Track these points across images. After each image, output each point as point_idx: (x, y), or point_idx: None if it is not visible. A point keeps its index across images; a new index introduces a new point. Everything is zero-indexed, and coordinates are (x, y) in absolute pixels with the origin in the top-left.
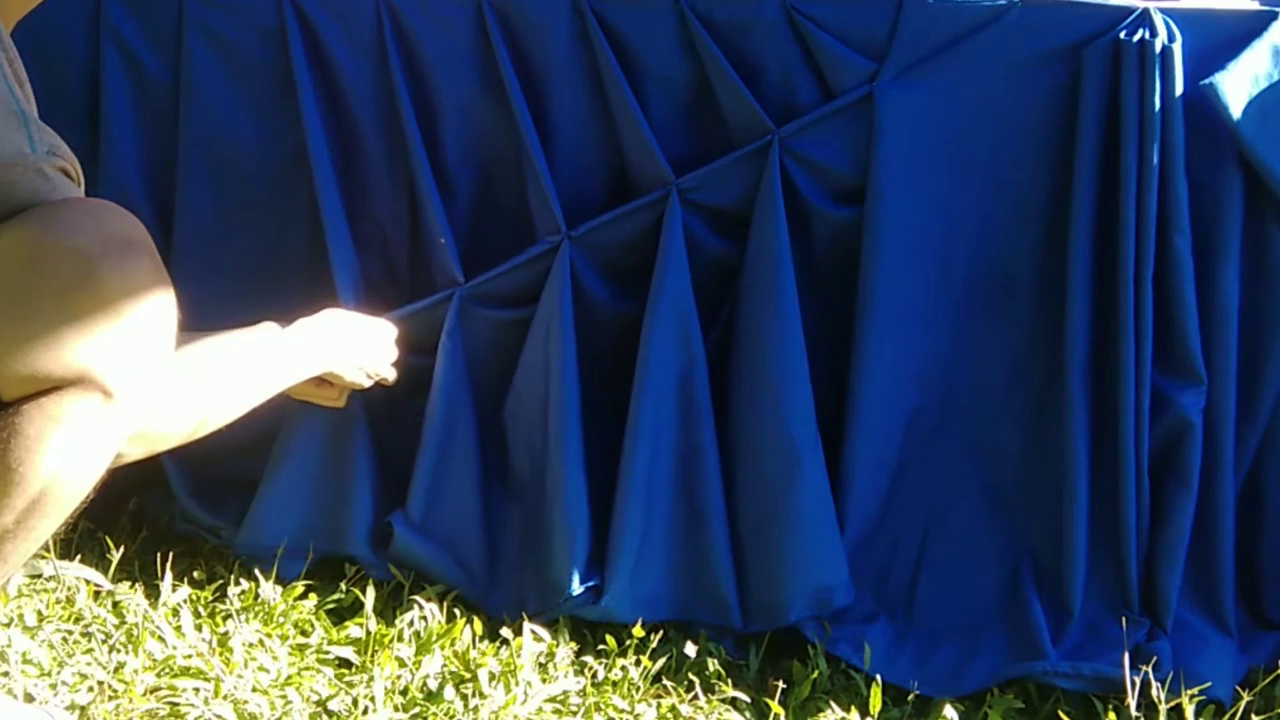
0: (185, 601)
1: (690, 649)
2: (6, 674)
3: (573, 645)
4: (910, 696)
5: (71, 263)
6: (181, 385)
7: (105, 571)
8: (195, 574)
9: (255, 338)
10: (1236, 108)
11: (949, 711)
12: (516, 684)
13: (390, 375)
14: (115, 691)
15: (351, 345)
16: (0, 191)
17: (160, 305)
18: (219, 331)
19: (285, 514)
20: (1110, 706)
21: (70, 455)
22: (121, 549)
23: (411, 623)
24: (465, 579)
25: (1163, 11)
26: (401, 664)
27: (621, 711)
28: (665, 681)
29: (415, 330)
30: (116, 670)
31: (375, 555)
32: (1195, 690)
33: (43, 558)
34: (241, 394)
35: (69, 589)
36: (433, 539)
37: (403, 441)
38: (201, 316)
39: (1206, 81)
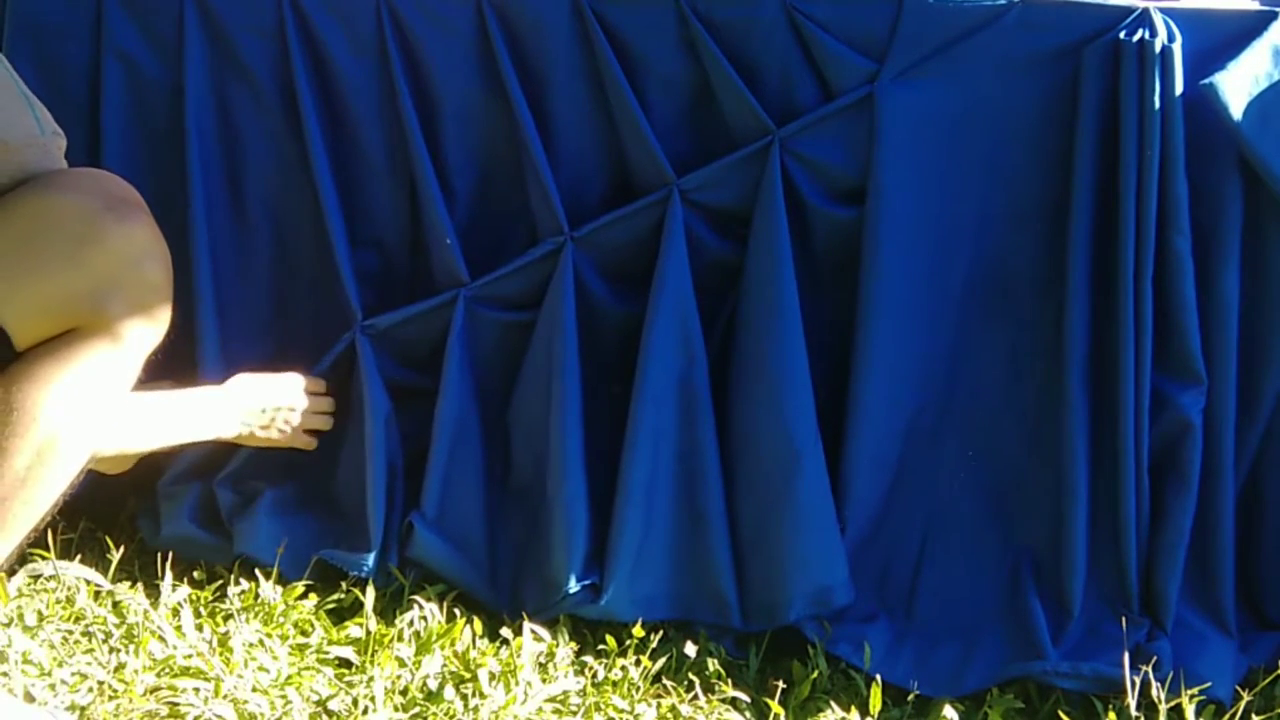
0: (185, 601)
1: (690, 649)
2: (6, 674)
3: (573, 645)
4: (910, 696)
5: (78, 218)
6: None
7: (105, 571)
8: (195, 574)
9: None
10: (1236, 108)
11: (949, 711)
12: (516, 684)
13: (317, 424)
14: (115, 691)
15: (259, 407)
16: (12, 169)
17: (160, 257)
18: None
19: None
20: (1110, 706)
21: (78, 395)
22: (121, 549)
23: (411, 623)
24: (478, 579)
25: (1163, 11)
26: (401, 664)
27: (621, 711)
28: (665, 681)
29: (417, 331)
30: (116, 670)
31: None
32: (1195, 690)
33: (43, 558)
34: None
35: (69, 589)
36: (447, 539)
37: (407, 444)
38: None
39: (1206, 81)
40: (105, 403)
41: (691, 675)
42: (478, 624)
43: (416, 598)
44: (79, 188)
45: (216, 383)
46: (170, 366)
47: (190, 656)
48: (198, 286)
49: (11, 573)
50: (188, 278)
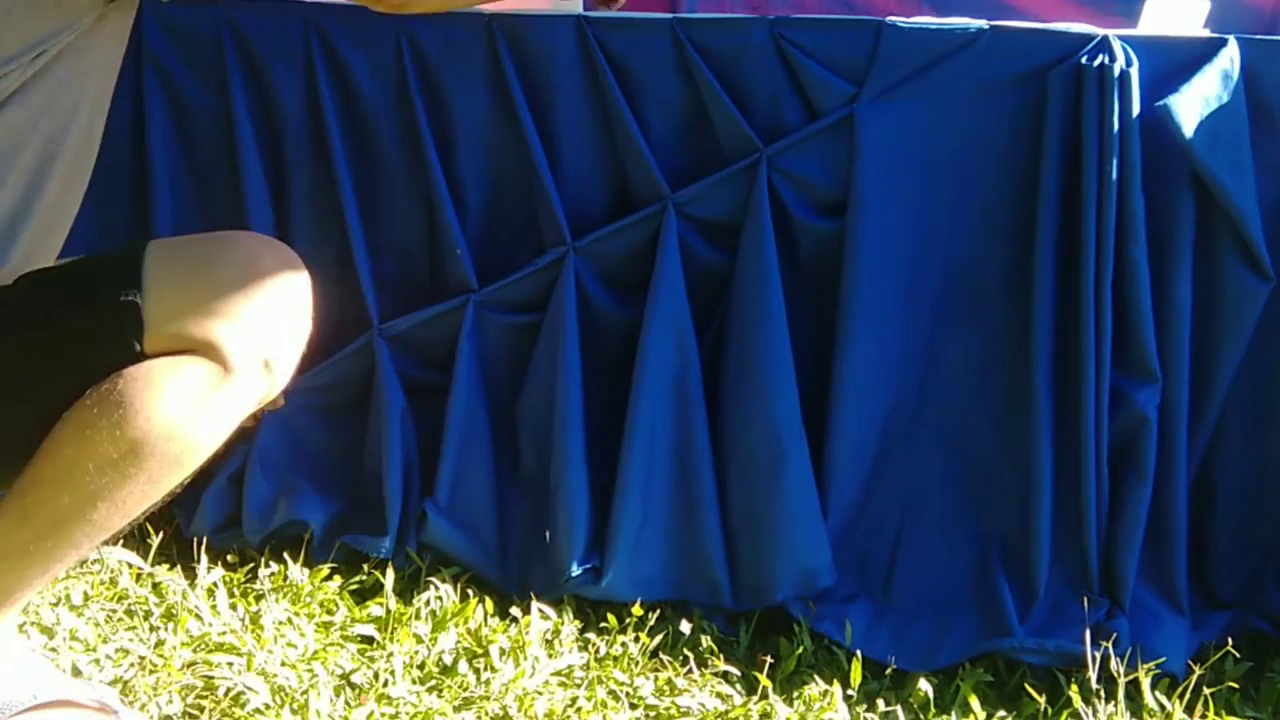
0: (220, 583)
1: (685, 626)
2: (55, 649)
3: (577, 623)
4: (888, 670)
5: (244, 252)
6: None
7: (145, 555)
8: (229, 557)
9: None
10: (1189, 128)
11: (924, 684)
12: (525, 659)
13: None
14: (155, 665)
15: None
16: None
17: (304, 328)
18: None
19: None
20: (1073, 680)
21: (177, 406)
22: (160, 534)
23: (428, 602)
24: (488, 561)
25: (1121, 39)
26: (419, 640)
27: (622, 684)
28: (662, 656)
29: (431, 334)
30: (156, 646)
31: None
32: (1151, 665)
33: None
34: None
35: (112, 571)
36: (458, 525)
37: (421, 439)
38: None
39: (1161, 103)
40: (202, 416)
41: (686, 651)
42: (489, 603)
43: (433, 579)
44: (259, 237)
45: None
46: None
47: (224, 633)
48: None
49: None
50: None
